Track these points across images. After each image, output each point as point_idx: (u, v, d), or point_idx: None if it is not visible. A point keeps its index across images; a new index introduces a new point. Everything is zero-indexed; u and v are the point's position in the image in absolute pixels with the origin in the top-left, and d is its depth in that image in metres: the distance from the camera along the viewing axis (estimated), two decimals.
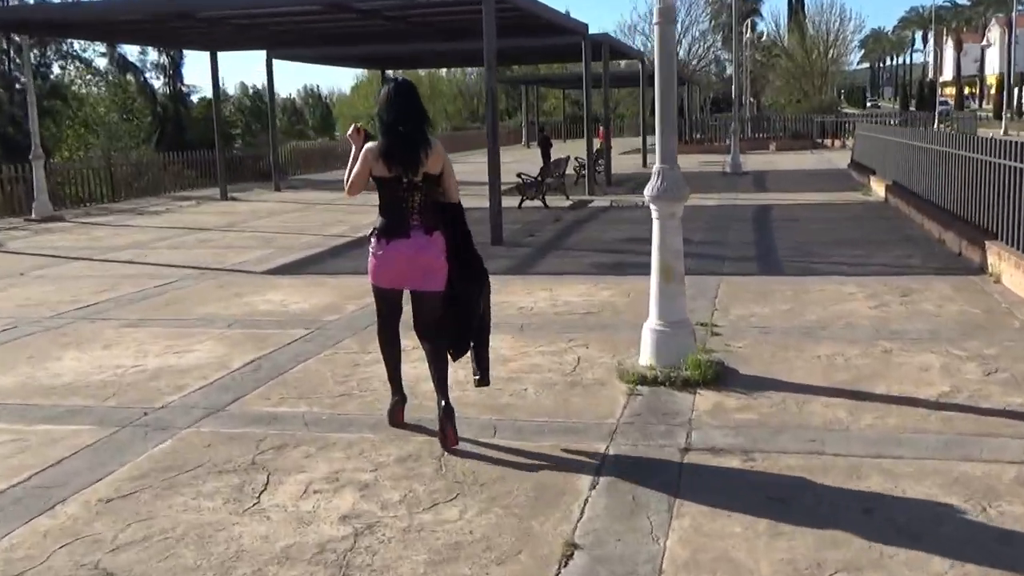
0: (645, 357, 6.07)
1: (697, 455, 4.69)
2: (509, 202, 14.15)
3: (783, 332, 7.20)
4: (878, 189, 17.25)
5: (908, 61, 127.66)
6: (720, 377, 5.89)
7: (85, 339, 7.72)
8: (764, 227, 13.78)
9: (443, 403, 4.85)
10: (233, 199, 21.50)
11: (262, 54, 37.33)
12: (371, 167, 4.77)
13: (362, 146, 4.87)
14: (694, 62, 74.53)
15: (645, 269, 10.41)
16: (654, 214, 6.02)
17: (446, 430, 4.83)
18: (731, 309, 8.03)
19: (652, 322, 6.07)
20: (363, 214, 17.22)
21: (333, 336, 7.49)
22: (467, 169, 22.23)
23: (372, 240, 4.88)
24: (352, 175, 4.86)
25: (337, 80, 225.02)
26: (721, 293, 8.80)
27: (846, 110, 67.10)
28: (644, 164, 29.37)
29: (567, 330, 7.49)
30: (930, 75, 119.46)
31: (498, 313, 8.17)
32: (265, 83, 21.54)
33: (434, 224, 4.79)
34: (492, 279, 5.09)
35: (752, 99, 73.38)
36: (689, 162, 31.36)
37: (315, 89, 78.60)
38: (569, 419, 5.31)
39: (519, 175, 17.02)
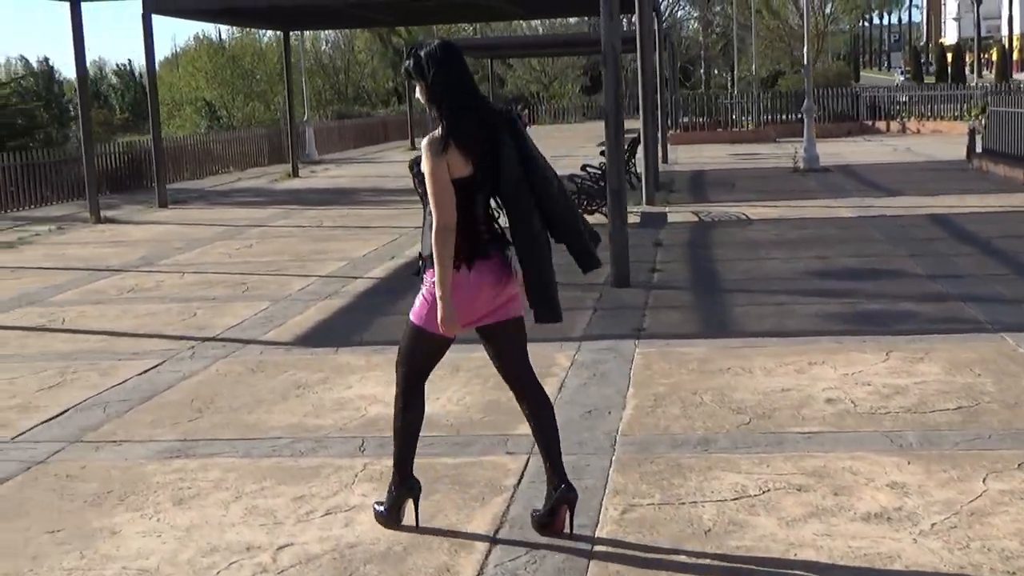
0: None
1: None
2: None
3: None
4: None
5: (906, 20, 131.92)
6: None
7: (126, 490, 5.72)
8: (990, 249, 12.45)
9: (563, 484, 4.84)
10: (111, 221, 19.30)
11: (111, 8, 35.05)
12: (448, 166, 4.61)
13: None
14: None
15: (920, 323, 8.95)
16: None
17: (560, 513, 4.84)
18: None
19: None
20: (343, 240, 15.41)
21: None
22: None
23: (431, 272, 4.70)
24: (435, 192, 4.62)
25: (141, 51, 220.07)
26: None
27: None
28: (664, 158, 28.05)
29: (981, 446, 5.89)
30: (925, 36, 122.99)
31: (802, 411, 6.54)
32: (71, 56, 19.09)
33: (503, 236, 4.88)
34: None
35: (727, 71, 73.34)
36: (715, 154, 30.38)
37: (125, 65, 74.16)
38: None
39: (584, 168, 15.81)
